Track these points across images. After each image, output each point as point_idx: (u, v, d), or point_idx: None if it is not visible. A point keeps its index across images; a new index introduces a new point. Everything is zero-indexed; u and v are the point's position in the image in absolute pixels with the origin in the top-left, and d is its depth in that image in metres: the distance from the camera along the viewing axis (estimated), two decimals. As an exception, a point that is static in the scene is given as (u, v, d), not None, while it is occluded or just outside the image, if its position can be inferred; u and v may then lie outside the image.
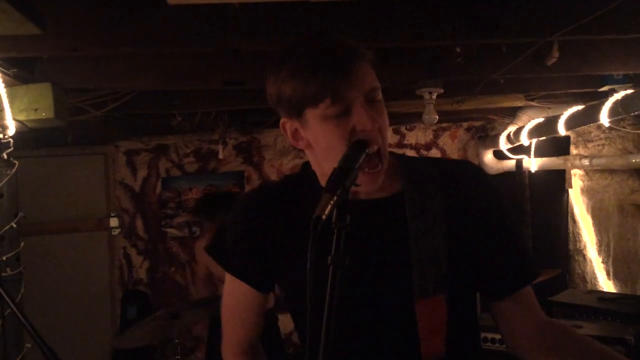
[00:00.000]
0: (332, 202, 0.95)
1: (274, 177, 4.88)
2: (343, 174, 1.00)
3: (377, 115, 1.10)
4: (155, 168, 4.82)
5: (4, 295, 1.48)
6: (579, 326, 2.54)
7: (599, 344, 1.20)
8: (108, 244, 4.76)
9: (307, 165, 1.29)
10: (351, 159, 1.03)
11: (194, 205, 3.74)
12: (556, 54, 2.53)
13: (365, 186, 1.11)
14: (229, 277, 1.32)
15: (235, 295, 1.32)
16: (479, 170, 1.31)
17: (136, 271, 4.80)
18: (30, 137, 2.91)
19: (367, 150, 1.07)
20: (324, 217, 0.93)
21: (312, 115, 1.10)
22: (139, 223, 4.81)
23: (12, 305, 1.45)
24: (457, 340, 1.16)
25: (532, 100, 3.65)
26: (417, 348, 1.14)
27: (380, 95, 1.14)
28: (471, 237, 1.19)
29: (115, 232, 4.73)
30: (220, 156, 4.43)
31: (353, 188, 1.15)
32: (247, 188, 4.84)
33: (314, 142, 1.15)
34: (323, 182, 1.21)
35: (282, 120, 1.18)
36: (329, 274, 0.94)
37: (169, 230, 4.81)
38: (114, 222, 4.71)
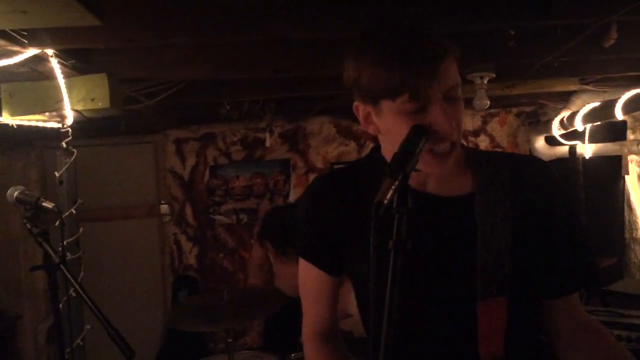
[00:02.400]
0: (393, 187, 0.95)
1: (319, 164, 4.89)
2: (403, 158, 1.00)
3: (454, 112, 1.09)
4: (203, 156, 4.91)
5: (69, 276, 1.54)
6: (636, 316, 2.46)
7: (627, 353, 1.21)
8: (159, 230, 4.89)
9: (375, 150, 1.30)
10: (411, 144, 1.03)
11: (260, 237, 3.66)
12: (614, 35, 2.43)
13: (432, 171, 1.12)
14: (302, 261, 1.36)
15: (309, 279, 1.37)
16: (549, 170, 1.27)
17: (186, 257, 4.91)
18: (85, 127, 3.01)
19: (426, 135, 1.06)
20: (385, 201, 0.93)
21: (387, 106, 1.10)
22: (188, 210, 4.91)
23: (77, 286, 1.51)
24: (516, 342, 1.16)
25: (587, 84, 3.53)
26: (475, 348, 1.15)
27: (460, 92, 1.11)
28: (536, 239, 1.19)
29: (166, 219, 4.85)
30: (268, 144, 4.47)
31: (428, 184, 1.18)
32: (293, 176, 4.87)
33: (386, 131, 1.15)
34: None
35: (355, 103, 1.18)
36: (391, 259, 0.95)
37: (217, 217, 4.90)
38: (164, 209, 4.83)
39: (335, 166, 4.83)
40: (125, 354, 1.47)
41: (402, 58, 1.03)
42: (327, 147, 4.90)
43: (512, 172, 1.22)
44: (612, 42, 2.46)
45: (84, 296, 1.50)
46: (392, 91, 1.06)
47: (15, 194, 1.81)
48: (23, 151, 4.73)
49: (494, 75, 2.62)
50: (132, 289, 4.69)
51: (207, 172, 4.90)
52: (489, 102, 2.73)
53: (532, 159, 1.35)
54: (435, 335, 1.19)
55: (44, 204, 1.73)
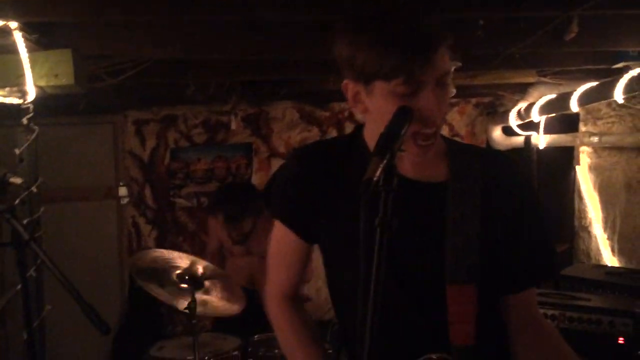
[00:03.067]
0: (381, 165, 0.97)
1: (282, 149, 4.89)
2: (390, 138, 1.03)
3: (442, 99, 1.13)
4: (164, 138, 4.83)
5: (40, 252, 1.51)
6: (587, 299, 2.59)
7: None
8: (117, 212, 4.80)
9: (359, 128, 1.32)
10: (397, 125, 1.06)
11: (210, 204, 3.58)
12: (575, 29, 2.52)
13: (414, 157, 1.16)
14: (277, 225, 1.38)
15: (282, 243, 1.39)
16: (518, 165, 1.34)
17: (145, 240, 4.84)
18: (42, 104, 2.91)
19: (411, 116, 1.09)
20: (374, 179, 0.96)
21: (380, 87, 1.12)
22: (147, 192, 4.84)
23: (49, 262, 1.48)
24: (486, 329, 1.19)
25: (545, 76, 3.65)
26: (445, 334, 1.17)
27: (450, 79, 1.15)
28: (503, 231, 1.23)
29: (124, 201, 4.76)
30: (234, 127, 4.44)
31: (404, 166, 1.20)
32: (255, 160, 4.86)
33: (375, 111, 1.17)
34: (371, 145, 1.24)
35: (345, 81, 1.20)
36: (376, 236, 0.97)
37: (178, 200, 4.84)
38: (122, 191, 4.74)
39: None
40: (101, 329, 1.47)
41: (401, 42, 1.06)
42: (290, 132, 4.91)
43: (483, 165, 1.26)
44: (573, 35, 2.55)
45: (57, 272, 1.47)
46: (387, 73, 1.08)
47: (-20, 169, 1.75)
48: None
49: (461, 65, 2.68)
50: (89, 272, 4.57)
51: (168, 155, 4.83)
52: (455, 91, 2.78)
53: (503, 155, 1.41)
54: (406, 319, 1.22)
55: (11, 179, 1.68)
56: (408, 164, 1.23)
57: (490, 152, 1.36)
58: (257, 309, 3.19)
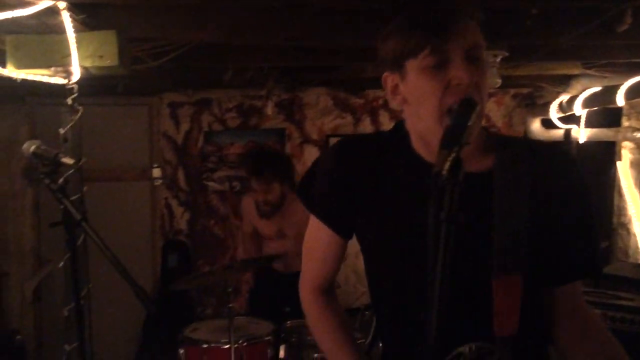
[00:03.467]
0: (449, 158, 0.95)
1: (315, 136, 4.88)
2: (457, 130, 1.00)
3: (476, 73, 1.11)
4: (198, 121, 4.85)
5: (91, 233, 1.53)
6: (630, 299, 2.54)
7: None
8: (150, 193, 4.85)
9: (401, 124, 1.30)
10: (463, 116, 1.04)
11: (240, 161, 3.72)
12: (629, 20, 2.45)
13: None
14: (313, 219, 1.36)
15: (317, 238, 1.37)
16: (570, 157, 1.30)
17: (177, 221, 4.89)
18: (82, 85, 2.93)
19: (476, 108, 1.06)
20: (444, 172, 0.94)
21: (411, 66, 1.14)
22: (180, 175, 4.87)
23: (101, 243, 1.49)
24: (530, 321, 1.17)
25: (589, 68, 3.56)
26: (490, 325, 1.15)
27: (483, 54, 1.14)
28: (552, 221, 1.20)
29: (158, 182, 4.80)
30: (269, 112, 4.43)
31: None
32: (288, 145, 4.85)
33: (410, 95, 1.18)
34: (415, 139, 1.24)
35: (384, 75, 1.22)
36: (442, 230, 0.95)
37: (210, 183, 4.87)
38: (156, 172, 4.78)
39: (332, 139, 4.82)
40: (149, 310, 1.49)
41: (422, 19, 1.12)
42: (323, 118, 4.88)
43: (533, 155, 1.23)
44: (626, 27, 2.48)
45: (108, 253, 1.49)
46: (414, 48, 1.11)
47: (32, 148, 1.77)
48: (14, 107, 4.62)
49: (507, 54, 2.63)
50: (122, 252, 4.58)
51: (201, 138, 4.86)
52: (500, 81, 2.74)
53: (554, 146, 1.35)
54: (451, 309, 1.21)
55: (63, 159, 1.70)
56: None
57: (542, 144, 1.32)
58: (291, 293, 3.22)
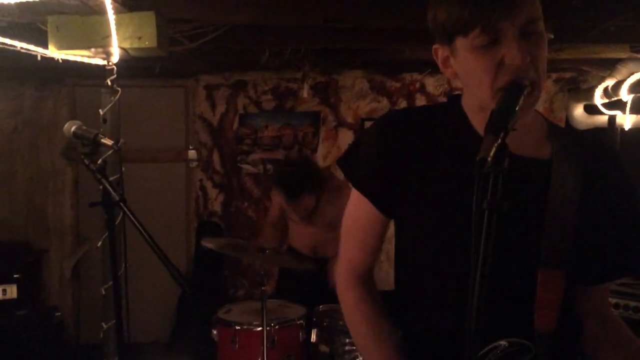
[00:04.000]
0: (496, 144, 0.91)
1: (350, 119, 4.84)
2: (504, 115, 0.96)
3: (532, 48, 1.04)
4: (234, 104, 4.86)
5: (129, 214, 1.54)
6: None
7: None
8: (186, 175, 4.90)
9: (455, 97, 1.25)
10: (510, 101, 0.99)
11: (273, 181, 3.59)
12: (685, 2, 2.33)
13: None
14: (355, 195, 1.28)
15: (359, 216, 1.29)
16: (616, 151, 1.26)
17: (211, 203, 4.93)
18: (120, 66, 2.96)
19: (525, 92, 1.02)
20: (489, 159, 0.90)
21: (461, 44, 1.08)
22: (215, 157, 4.91)
23: (139, 225, 1.50)
24: (567, 318, 1.15)
25: (638, 52, 3.42)
26: (530, 319, 1.13)
27: (541, 27, 1.07)
28: (599, 218, 1.16)
29: (193, 164, 4.85)
30: (305, 94, 4.40)
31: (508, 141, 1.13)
32: (323, 129, 4.83)
33: (462, 73, 1.13)
34: (472, 116, 1.19)
35: (434, 46, 1.16)
36: (484, 218, 0.92)
37: (244, 166, 4.89)
38: (192, 154, 4.82)
39: (367, 123, 4.78)
40: (185, 291, 1.50)
41: None
42: (358, 102, 4.84)
43: (586, 149, 1.19)
44: (680, 9, 2.36)
45: (146, 235, 1.50)
46: (464, 26, 1.05)
47: (73, 128, 1.79)
48: (54, 88, 4.71)
49: (552, 37, 2.53)
50: (157, 232, 4.65)
51: (237, 120, 4.87)
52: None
53: (605, 143, 1.31)
54: (492, 297, 1.17)
55: (102, 140, 1.71)
56: (514, 140, 1.15)
57: (593, 137, 1.27)
58: (320, 278, 3.24)
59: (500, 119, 0.95)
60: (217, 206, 4.95)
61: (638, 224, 1.22)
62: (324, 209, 3.25)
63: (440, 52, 1.15)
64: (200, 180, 4.93)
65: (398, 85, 4.80)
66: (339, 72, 4.72)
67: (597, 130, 4.28)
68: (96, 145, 1.71)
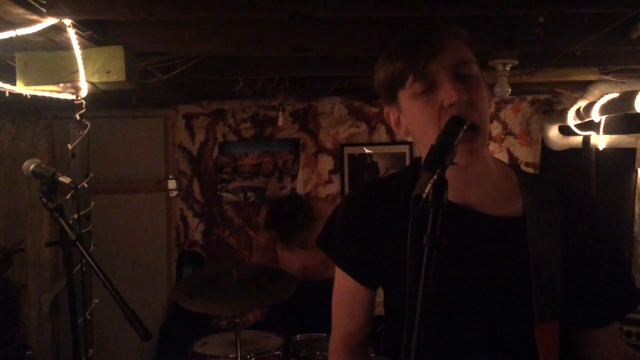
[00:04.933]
0: (432, 180, 0.92)
1: (329, 145, 4.85)
2: (441, 151, 0.96)
3: (468, 89, 1.07)
4: (213, 132, 4.87)
5: (85, 254, 1.52)
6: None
7: None
8: (166, 205, 4.87)
9: (417, 160, 1.28)
10: (448, 136, 1.00)
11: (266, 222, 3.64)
12: (643, 27, 2.38)
13: (460, 160, 1.05)
14: (339, 272, 1.33)
15: (344, 291, 1.33)
16: (591, 195, 1.30)
17: (192, 233, 4.90)
18: (96, 99, 2.96)
19: (464, 127, 1.03)
20: (424, 195, 0.90)
21: (403, 97, 1.12)
22: (195, 186, 4.89)
23: (94, 264, 1.49)
24: None
25: (607, 74, 3.48)
26: None
27: (474, 70, 1.10)
28: (584, 264, 1.17)
29: (173, 194, 4.83)
30: (280, 123, 4.42)
31: (480, 203, 1.16)
32: (302, 155, 4.84)
33: (410, 125, 1.15)
34: None
35: (385, 109, 1.21)
36: (424, 254, 0.92)
37: (225, 194, 4.88)
38: (172, 184, 4.80)
39: (346, 148, 4.80)
40: (141, 335, 1.45)
41: (404, 45, 1.10)
42: (337, 127, 4.86)
43: (559, 196, 1.20)
44: (639, 33, 2.41)
45: (101, 275, 1.47)
46: (399, 77, 1.10)
47: (32, 167, 1.78)
48: (32, 121, 4.70)
49: (517, 63, 2.57)
50: (137, 263, 4.69)
51: (216, 149, 4.87)
52: (510, 90, 2.68)
53: (575, 185, 1.31)
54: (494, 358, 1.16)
55: (60, 178, 1.70)
56: (480, 197, 1.18)
57: (564, 183, 1.28)
58: (310, 300, 3.19)
59: (437, 155, 0.96)
60: (198, 235, 4.92)
61: (624, 259, 1.24)
62: (314, 234, 3.23)
63: (391, 114, 1.19)
64: (181, 209, 4.91)
65: (376, 110, 4.83)
66: (317, 98, 4.75)
67: (571, 151, 4.33)
68: (54, 183, 1.70)
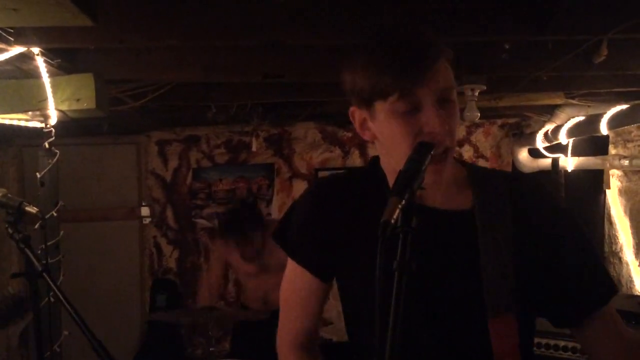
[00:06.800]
0: (399, 206, 0.92)
1: (303, 170, 4.86)
2: (409, 176, 0.97)
3: (448, 116, 1.07)
4: (186, 159, 4.85)
5: (52, 285, 1.49)
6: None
7: None
8: (139, 232, 4.81)
9: (376, 159, 1.27)
10: (417, 162, 1.00)
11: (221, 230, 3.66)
12: (605, 52, 2.44)
13: (428, 179, 1.04)
14: (291, 266, 1.31)
15: (297, 284, 1.31)
16: (546, 187, 1.26)
17: (166, 260, 4.84)
18: (67, 126, 2.93)
19: (432, 152, 1.04)
20: (392, 221, 0.91)
21: (380, 108, 1.09)
22: (169, 213, 4.84)
23: (61, 296, 1.45)
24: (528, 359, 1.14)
25: (573, 98, 3.57)
26: None
27: (454, 95, 1.10)
28: (540, 256, 1.16)
29: (146, 221, 4.77)
30: (254, 148, 4.43)
31: (428, 197, 1.14)
32: (277, 181, 4.84)
33: (380, 135, 1.14)
34: (390, 177, 1.20)
35: (351, 108, 1.17)
36: (395, 279, 0.92)
37: (199, 220, 4.84)
38: (145, 211, 4.75)
39: (321, 173, 4.81)
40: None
41: (393, 57, 1.04)
42: (311, 152, 4.88)
43: (510, 188, 1.20)
44: (602, 58, 2.48)
45: (67, 307, 1.44)
46: (383, 91, 1.06)
47: (-3, 196, 1.74)
48: (1, 148, 4.62)
49: (485, 88, 2.63)
50: (110, 292, 4.60)
51: (190, 175, 4.84)
52: (479, 114, 2.73)
53: (530, 178, 1.32)
54: (448, 356, 1.16)
55: (27, 208, 1.67)
56: (430, 193, 1.16)
57: (517, 176, 1.29)
58: (274, 328, 3.15)
59: (405, 180, 0.96)
60: (172, 263, 4.85)
61: (589, 244, 1.21)
62: (273, 247, 3.22)
63: (357, 114, 1.16)
64: (154, 237, 4.85)
65: (350, 134, 4.86)
66: (291, 123, 4.77)
67: (541, 173, 4.41)
68: (20, 213, 1.67)
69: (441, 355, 1.15)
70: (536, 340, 2.49)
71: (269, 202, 4.82)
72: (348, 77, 1.12)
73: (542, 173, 4.42)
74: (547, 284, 1.16)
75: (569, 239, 1.18)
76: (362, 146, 4.87)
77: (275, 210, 4.79)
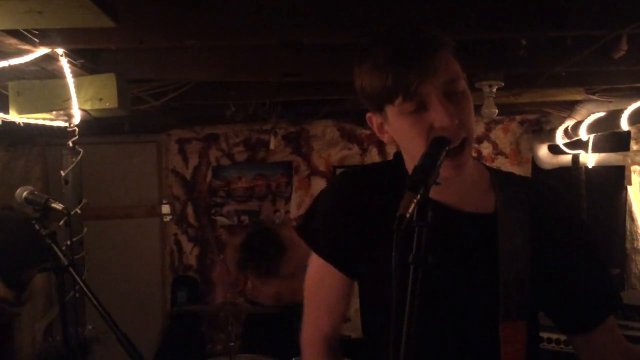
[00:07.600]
0: (415, 200, 0.94)
1: (322, 168, 4.89)
2: (424, 171, 0.99)
3: (457, 109, 1.07)
4: (206, 157, 4.90)
5: (78, 279, 1.53)
6: (638, 328, 2.46)
7: None
8: (160, 230, 4.87)
9: (399, 154, 1.27)
10: (431, 157, 1.02)
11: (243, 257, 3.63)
12: (624, 47, 2.43)
13: (447, 174, 1.06)
14: (315, 263, 1.31)
15: (323, 279, 1.30)
16: (565, 195, 1.28)
17: (186, 257, 4.90)
18: (89, 125, 2.98)
19: (447, 147, 1.05)
20: (408, 215, 0.92)
21: (390, 111, 1.11)
22: (189, 210, 4.90)
23: (87, 290, 1.50)
24: None
25: (593, 93, 3.53)
26: None
27: (462, 86, 1.10)
28: (555, 264, 1.17)
29: (167, 218, 4.83)
30: (272, 146, 4.46)
31: (450, 197, 1.15)
32: (295, 178, 4.87)
33: (396, 137, 1.16)
34: None
35: (368, 115, 1.19)
36: (410, 273, 0.94)
37: (219, 218, 4.89)
38: (165, 209, 4.81)
39: (339, 170, 4.83)
40: (133, 358, 1.46)
41: (394, 60, 1.05)
42: (330, 150, 4.90)
43: (529, 195, 1.21)
44: (621, 53, 2.46)
45: (94, 300, 1.49)
46: (388, 95, 1.07)
47: (25, 194, 1.80)
48: (25, 147, 4.71)
49: (503, 84, 2.62)
50: (132, 288, 4.67)
51: (210, 173, 4.89)
52: (497, 111, 2.72)
53: (548, 185, 1.32)
54: (456, 356, 1.17)
55: (53, 205, 1.72)
56: (453, 193, 1.18)
57: (536, 183, 1.29)
58: (288, 327, 3.18)
59: (420, 175, 0.98)
60: (192, 260, 4.91)
61: (599, 256, 1.23)
62: (285, 263, 3.23)
63: (374, 119, 1.18)
64: (175, 234, 4.91)
65: (368, 132, 4.87)
66: (309, 121, 4.79)
67: (561, 169, 4.37)
68: (47, 210, 1.72)
69: (450, 353, 1.16)
70: (546, 335, 2.50)
71: (287, 200, 4.85)
72: (358, 85, 1.14)
73: (562, 169, 4.38)
74: (560, 293, 1.18)
75: (584, 249, 1.20)
76: (380, 144, 4.88)
77: (294, 207, 4.82)
